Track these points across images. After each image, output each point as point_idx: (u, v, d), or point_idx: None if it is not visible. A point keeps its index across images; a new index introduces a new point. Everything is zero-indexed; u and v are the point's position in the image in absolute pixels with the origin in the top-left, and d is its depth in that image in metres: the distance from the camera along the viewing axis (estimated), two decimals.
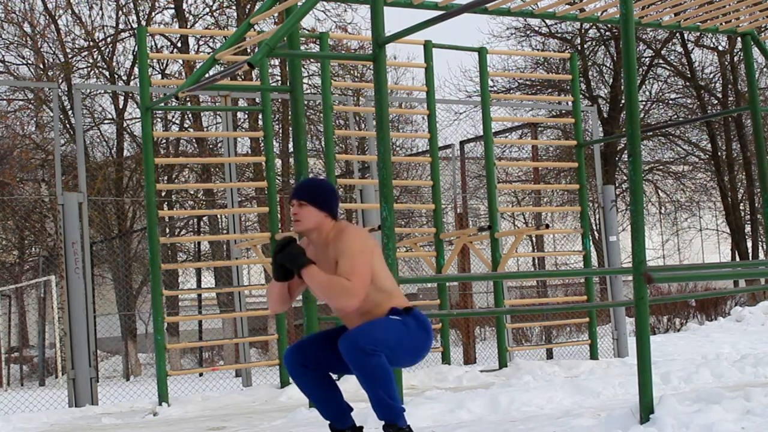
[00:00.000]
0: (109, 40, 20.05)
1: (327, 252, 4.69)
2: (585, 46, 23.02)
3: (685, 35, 23.08)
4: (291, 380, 4.79)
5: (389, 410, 4.58)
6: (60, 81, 19.45)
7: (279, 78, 18.47)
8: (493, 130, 11.38)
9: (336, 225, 4.72)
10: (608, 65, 23.46)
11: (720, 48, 23.52)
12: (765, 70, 23.58)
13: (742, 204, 24.47)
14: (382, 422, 4.69)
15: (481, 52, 11.23)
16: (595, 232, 18.49)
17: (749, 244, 23.83)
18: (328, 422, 4.83)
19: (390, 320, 4.61)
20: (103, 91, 20.21)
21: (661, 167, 24.69)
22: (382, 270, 4.68)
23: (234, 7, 19.24)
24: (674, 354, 12.67)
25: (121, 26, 20.03)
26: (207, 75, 7.89)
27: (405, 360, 4.72)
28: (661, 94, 24.37)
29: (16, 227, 21.22)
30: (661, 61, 23.72)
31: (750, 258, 23.03)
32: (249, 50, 14.32)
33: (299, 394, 8.92)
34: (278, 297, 4.77)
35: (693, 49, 23.64)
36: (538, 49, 22.94)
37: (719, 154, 23.80)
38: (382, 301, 4.66)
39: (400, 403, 4.61)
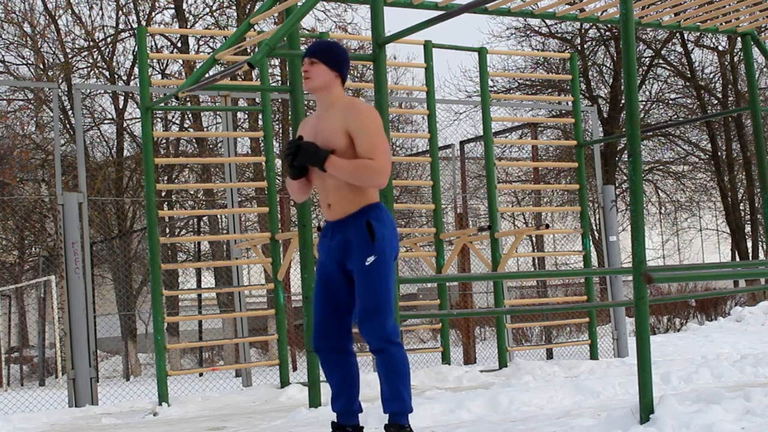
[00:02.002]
0: (109, 40, 20.06)
1: (329, 113, 4.71)
2: (585, 46, 23.03)
3: (685, 35, 23.09)
4: (321, 368, 4.86)
5: (401, 406, 4.62)
6: (60, 81, 19.45)
7: (279, 78, 18.48)
8: (493, 130, 11.38)
9: (347, 96, 4.77)
10: (608, 65, 23.46)
11: (720, 48, 23.52)
12: (765, 70, 23.59)
13: (742, 204, 24.48)
14: (385, 420, 4.71)
15: (481, 52, 11.23)
16: (595, 232, 18.49)
17: (749, 244, 23.84)
18: (335, 414, 4.84)
19: (378, 266, 4.61)
20: (103, 91, 20.21)
21: (661, 167, 24.69)
22: None
23: (234, 7, 19.25)
24: (674, 354, 12.67)
25: (121, 26, 20.04)
26: (207, 75, 7.89)
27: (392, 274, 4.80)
28: (661, 94, 24.37)
29: (16, 227, 21.22)
30: (661, 61, 23.72)
31: (750, 258, 23.03)
32: (249, 50, 14.33)
33: (299, 394, 8.93)
34: (301, 188, 4.86)
35: (693, 49, 23.65)
36: (538, 49, 22.95)
37: (719, 154, 23.80)
38: (362, 189, 4.73)
39: (411, 403, 4.65)
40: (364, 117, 4.62)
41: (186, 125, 19.51)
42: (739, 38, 10.03)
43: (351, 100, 4.74)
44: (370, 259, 4.62)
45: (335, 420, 4.87)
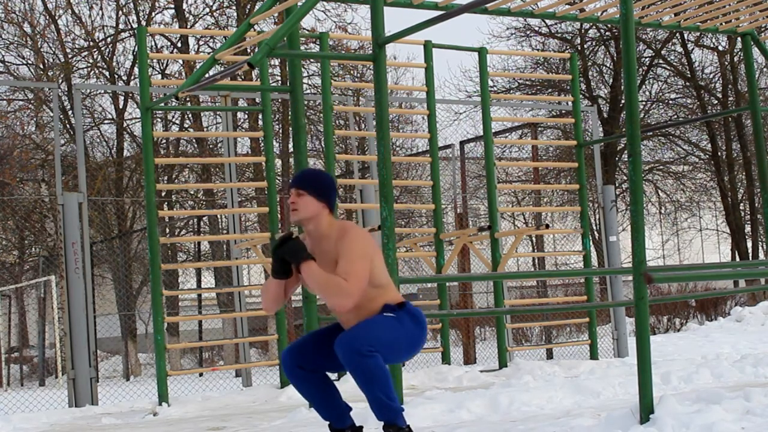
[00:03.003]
0: (109, 40, 20.06)
1: (322, 246, 4.68)
2: (585, 46, 23.03)
3: (685, 35, 23.09)
4: (289, 381, 4.78)
5: (388, 410, 4.58)
6: (60, 81, 19.45)
7: (279, 78, 18.47)
8: (493, 130, 11.38)
9: (338, 223, 4.72)
10: (608, 65, 23.46)
11: (720, 48, 23.53)
12: (765, 70, 23.59)
13: (742, 204, 24.48)
14: (382, 422, 4.69)
15: (481, 52, 11.23)
16: (595, 232, 18.49)
17: (749, 244, 23.84)
18: (328, 422, 4.84)
19: (384, 318, 4.62)
20: (103, 91, 20.21)
21: (661, 167, 24.70)
22: (379, 266, 4.69)
23: (234, 7, 19.24)
24: (674, 354, 12.67)
25: (121, 26, 20.04)
26: (207, 75, 7.89)
27: (401, 356, 4.74)
28: (661, 94, 24.37)
29: (16, 227, 21.21)
30: (661, 61, 23.72)
31: (750, 258, 23.03)
32: (249, 50, 14.33)
33: (299, 395, 8.91)
34: (274, 295, 4.76)
35: (693, 49, 23.65)
36: (538, 49, 22.95)
37: (719, 154, 23.80)
38: (376, 296, 4.67)
39: (398, 403, 4.61)
40: (352, 241, 4.57)
41: (186, 125, 19.51)
42: (739, 38, 10.03)
43: (342, 226, 4.69)
44: (388, 314, 4.63)
45: (330, 427, 4.87)
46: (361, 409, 5.44)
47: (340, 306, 4.53)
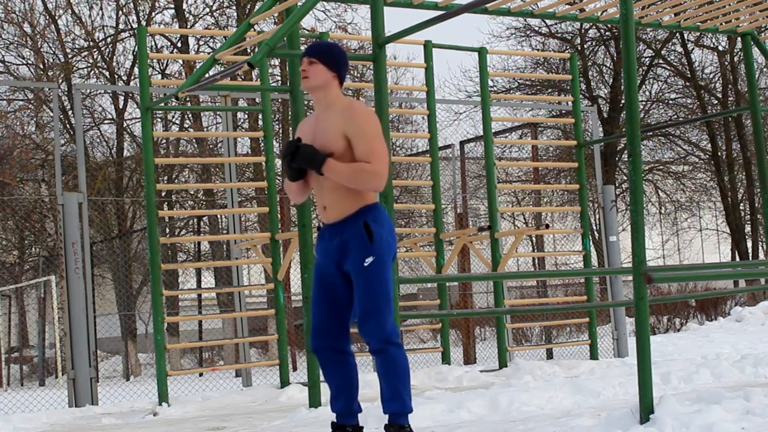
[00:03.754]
0: (109, 40, 20.05)
1: (328, 114, 4.72)
2: (585, 46, 23.03)
3: (685, 35, 23.09)
4: (321, 369, 4.87)
5: (401, 406, 4.62)
6: (60, 81, 19.45)
7: (279, 78, 18.47)
8: (493, 130, 11.38)
9: (346, 98, 4.78)
10: (608, 65, 23.46)
11: (720, 48, 23.52)
12: (765, 70, 23.59)
13: (742, 204, 24.48)
14: (385, 421, 4.71)
15: (481, 52, 11.23)
16: (595, 232, 18.49)
17: (749, 244, 23.83)
18: (335, 414, 4.85)
19: (380, 272, 4.62)
20: (103, 91, 20.21)
21: (661, 167, 24.69)
22: None
23: (234, 7, 19.24)
24: (674, 354, 12.67)
25: (121, 26, 20.04)
26: (207, 75, 7.89)
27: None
28: (661, 94, 24.37)
29: (16, 227, 21.21)
30: (661, 61, 23.72)
31: (750, 258, 23.03)
32: (249, 50, 14.33)
33: (299, 394, 8.93)
34: (299, 190, 4.87)
35: (693, 49, 23.65)
36: (538, 49, 22.95)
37: (719, 154, 23.80)
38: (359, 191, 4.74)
39: (411, 404, 4.65)
40: (362, 121, 4.62)
41: (186, 125, 19.51)
42: (739, 38, 10.03)
43: (349, 101, 4.74)
44: (369, 260, 4.62)
45: (335, 420, 4.88)
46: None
47: (375, 188, 4.62)
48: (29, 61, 20.66)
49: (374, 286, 4.61)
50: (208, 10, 19.75)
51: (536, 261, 17.12)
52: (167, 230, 18.78)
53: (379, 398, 4.83)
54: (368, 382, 8.22)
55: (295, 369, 14.91)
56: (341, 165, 4.59)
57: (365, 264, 4.61)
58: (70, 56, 19.91)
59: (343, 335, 4.79)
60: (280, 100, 17.64)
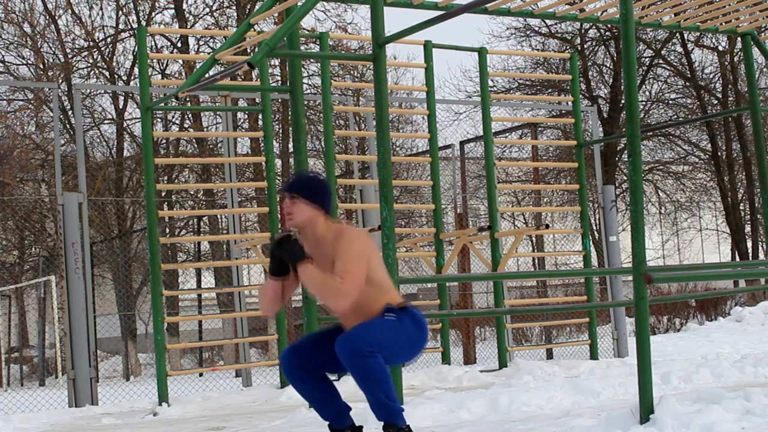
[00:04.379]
0: (109, 40, 20.05)
1: (320, 249, 4.69)
2: (585, 46, 23.02)
3: (685, 35, 23.09)
4: (289, 382, 4.79)
5: (388, 411, 4.59)
6: (60, 81, 19.44)
7: (279, 78, 18.46)
8: (493, 130, 11.38)
9: (335, 225, 4.72)
10: (608, 65, 23.46)
11: (720, 48, 23.52)
12: (765, 70, 23.58)
13: (742, 204, 24.47)
14: (382, 422, 4.70)
15: (481, 52, 11.23)
16: (595, 232, 18.48)
17: (749, 244, 23.83)
18: (328, 423, 4.84)
19: (385, 320, 4.62)
20: (103, 91, 20.21)
21: (661, 167, 24.69)
22: (379, 268, 4.70)
23: (234, 7, 19.24)
24: (674, 354, 12.67)
25: (121, 26, 20.03)
26: (207, 75, 7.89)
27: (401, 357, 4.75)
28: (661, 94, 24.36)
29: (16, 227, 21.20)
30: (661, 61, 23.72)
31: (750, 258, 23.03)
32: (249, 50, 14.32)
33: (299, 395, 8.91)
34: (272, 296, 4.75)
35: (693, 49, 23.65)
36: (538, 49, 22.94)
37: (719, 154, 23.80)
38: (377, 297, 4.67)
39: (398, 403, 4.62)
40: (349, 243, 4.59)
41: (186, 125, 19.50)
42: (739, 38, 10.03)
43: (339, 229, 4.69)
44: (389, 315, 4.63)
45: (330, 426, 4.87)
46: (360, 410, 5.44)
47: (336, 306, 4.56)
48: (29, 61, 20.67)
49: (374, 325, 4.58)
50: (208, 10, 19.75)
51: (536, 261, 17.12)
52: (167, 230, 18.77)
53: None
54: None
55: None
56: (317, 272, 4.54)
57: (384, 315, 4.61)
58: (70, 56, 19.91)
59: (318, 366, 4.74)
60: (280, 100, 17.63)
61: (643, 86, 23.59)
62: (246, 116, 18.33)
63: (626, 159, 18.27)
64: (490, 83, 14.52)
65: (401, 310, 4.69)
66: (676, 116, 23.77)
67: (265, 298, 4.76)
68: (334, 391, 4.80)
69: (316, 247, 4.70)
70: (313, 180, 4.76)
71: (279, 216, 11.24)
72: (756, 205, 23.21)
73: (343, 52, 18.74)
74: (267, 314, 4.89)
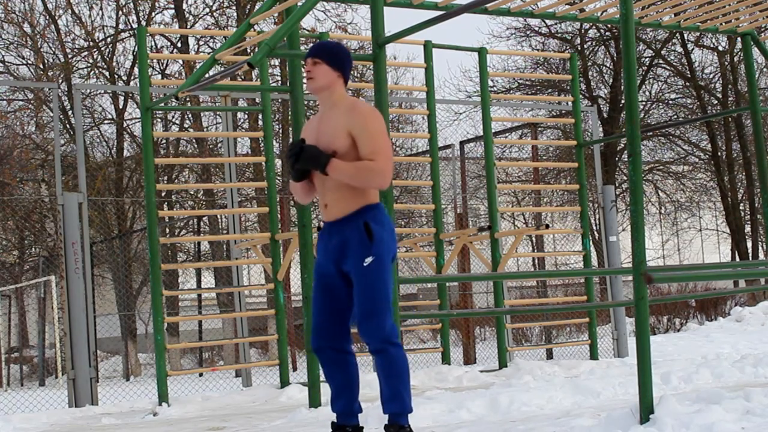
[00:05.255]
0: (109, 40, 20.05)
1: (332, 113, 4.75)
2: (585, 46, 23.02)
3: (685, 35, 23.09)
4: (321, 368, 4.88)
5: (400, 406, 4.62)
6: (60, 81, 19.44)
7: (279, 78, 18.47)
8: (493, 130, 11.38)
9: (350, 97, 4.81)
10: (608, 65, 23.46)
11: (720, 48, 23.53)
12: (765, 70, 23.58)
13: (742, 204, 24.48)
14: (385, 421, 4.71)
15: (481, 52, 11.23)
16: (595, 232, 18.48)
17: (749, 244, 23.83)
18: (335, 414, 4.84)
19: (376, 274, 4.62)
20: (103, 91, 20.21)
21: (661, 167, 24.69)
22: None
23: (234, 7, 19.24)
24: (674, 354, 12.67)
25: (121, 26, 20.03)
26: (207, 75, 7.89)
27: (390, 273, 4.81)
28: (661, 94, 24.36)
29: (16, 227, 21.21)
30: (661, 61, 23.72)
31: (750, 258, 23.03)
32: (249, 50, 14.32)
33: (299, 394, 8.93)
34: (305, 190, 4.87)
35: (693, 49, 23.65)
36: (538, 49, 22.94)
37: (719, 154, 23.80)
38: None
39: (411, 404, 4.65)
40: (366, 119, 4.64)
41: (186, 125, 19.50)
42: (739, 38, 10.03)
43: (353, 101, 4.76)
44: (368, 260, 4.63)
45: (335, 420, 4.88)
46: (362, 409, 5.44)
47: (380, 186, 4.63)
48: (29, 61, 20.66)
49: (373, 286, 4.62)
50: (208, 10, 19.75)
51: (536, 261, 17.12)
52: (167, 230, 18.77)
53: (379, 398, 4.83)
54: (368, 382, 8.22)
55: (295, 369, 14.90)
56: (345, 164, 4.60)
57: (364, 264, 4.62)
58: (70, 56, 19.91)
59: (343, 335, 4.79)
60: (280, 100, 17.64)
61: (643, 86, 23.59)
62: (246, 116, 18.33)
63: (626, 159, 18.28)
64: (490, 83, 14.53)
65: (376, 209, 4.71)
66: (676, 116, 23.77)
67: (298, 193, 4.90)
68: (357, 386, 4.85)
69: (329, 111, 4.78)
70: (337, 46, 4.85)
71: (279, 216, 11.25)
72: (756, 205, 23.21)
73: None
74: (304, 203, 5.11)
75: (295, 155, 4.67)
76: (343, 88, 4.81)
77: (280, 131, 18.45)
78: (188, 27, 19.37)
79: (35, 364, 19.47)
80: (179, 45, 19.25)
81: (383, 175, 4.58)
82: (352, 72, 20.49)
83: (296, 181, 4.81)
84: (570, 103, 13.27)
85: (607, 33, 22.64)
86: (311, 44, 17.16)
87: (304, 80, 4.92)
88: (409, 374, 4.67)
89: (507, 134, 15.68)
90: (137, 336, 18.46)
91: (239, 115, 18.04)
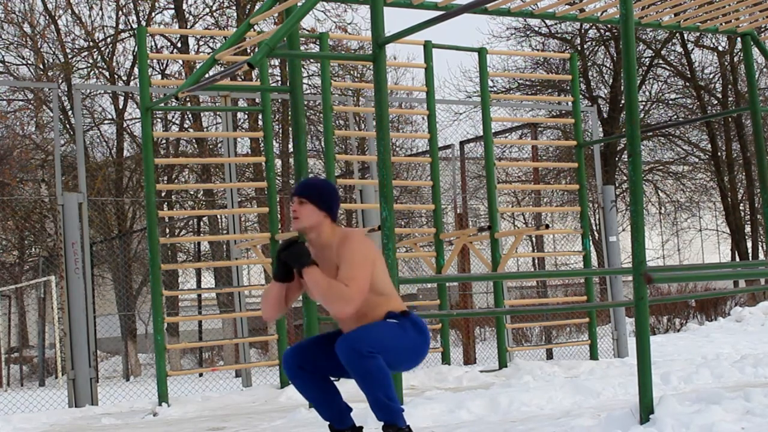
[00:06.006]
0: (109, 40, 20.05)
1: (325, 254, 4.69)
2: (585, 46, 23.02)
3: (685, 35, 23.08)
4: (290, 382, 4.77)
5: (388, 411, 4.58)
6: (60, 81, 19.45)
7: (279, 78, 18.46)
8: (493, 131, 11.38)
9: (340, 230, 4.72)
10: (608, 65, 23.46)
11: (720, 48, 23.52)
12: (765, 70, 23.58)
13: (742, 204, 24.48)
14: (382, 423, 4.70)
15: (481, 52, 11.23)
16: (595, 233, 18.48)
17: (749, 244, 23.83)
18: (328, 423, 4.84)
19: (386, 324, 4.62)
20: (103, 92, 20.21)
21: (661, 167, 24.69)
22: (382, 274, 4.68)
23: (234, 7, 19.24)
24: (674, 354, 12.66)
25: (121, 26, 20.03)
26: (207, 75, 7.89)
27: (402, 363, 4.72)
28: (661, 94, 24.36)
29: (16, 227, 21.20)
30: (661, 62, 23.72)
31: (750, 258, 23.02)
32: (249, 50, 14.32)
33: (299, 395, 8.89)
34: (275, 301, 4.74)
35: (693, 49, 23.65)
36: (538, 50, 22.95)
37: (719, 154, 23.80)
38: (380, 304, 4.66)
39: (398, 404, 4.62)
40: (353, 248, 4.58)
41: (186, 125, 19.50)
42: (739, 38, 10.03)
43: (344, 234, 4.69)
44: (392, 320, 4.62)
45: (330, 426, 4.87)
46: (361, 410, 5.44)
47: (341, 312, 4.53)
48: (29, 61, 20.66)
49: (377, 326, 4.59)
50: (208, 10, 19.75)
51: (536, 261, 17.12)
52: (167, 230, 18.77)
53: None
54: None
55: None
56: (322, 276, 4.54)
57: (387, 318, 4.61)
58: (70, 56, 19.91)
59: (318, 369, 4.75)
60: (280, 100, 17.63)
61: (643, 86, 23.59)
62: (246, 116, 18.33)
63: (626, 159, 18.27)
64: (490, 83, 14.52)
65: (403, 315, 4.69)
66: (676, 116, 23.77)
67: (268, 302, 4.75)
68: (334, 391, 4.80)
69: (321, 253, 4.70)
70: (322, 184, 4.76)
71: (279, 216, 11.25)
72: (756, 205, 23.21)
73: (343, 52, 18.74)
74: (269, 319, 4.87)
75: (286, 247, 4.64)
76: (331, 226, 4.70)
77: (280, 131, 18.44)
78: (188, 27, 19.37)
79: (35, 364, 19.47)
80: (179, 45, 19.25)
81: (350, 302, 4.50)
82: (352, 72, 20.49)
83: (276, 280, 4.74)
84: (570, 104, 13.27)
85: (607, 33, 22.64)
86: (312, 44, 17.26)
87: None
88: (387, 375, 4.55)
89: (507, 134, 15.68)
90: (137, 336, 18.45)
91: (239, 115, 18.04)
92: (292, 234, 9.55)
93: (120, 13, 19.99)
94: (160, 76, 19.63)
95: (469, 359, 14.23)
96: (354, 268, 4.53)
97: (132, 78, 19.64)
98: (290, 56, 8.07)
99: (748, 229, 24.09)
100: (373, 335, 4.53)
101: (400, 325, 4.64)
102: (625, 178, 22.93)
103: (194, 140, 19.55)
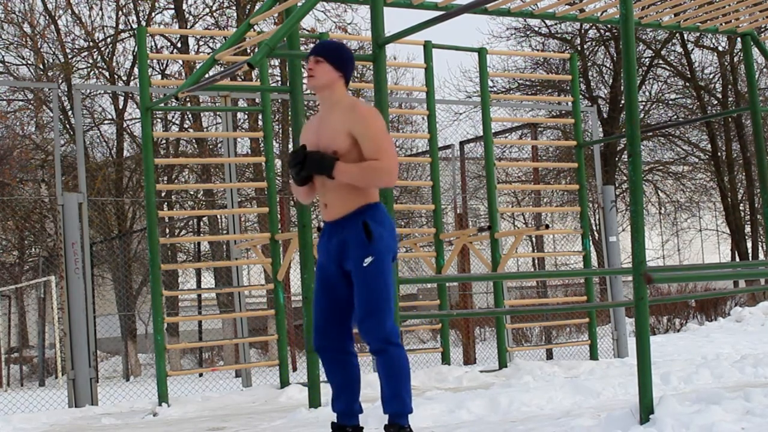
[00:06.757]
0: (109, 40, 20.05)
1: (334, 116, 4.74)
2: (585, 46, 23.02)
3: (685, 35, 23.09)
4: (321, 368, 4.93)
5: (400, 407, 4.62)
6: (60, 81, 19.45)
7: (279, 78, 18.46)
8: (493, 131, 11.38)
9: (350, 97, 4.80)
10: (608, 65, 23.46)
11: (720, 48, 23.52)
12: (765, 70, 23.58)
13: (742, 204, 24.48)
14: (385, 421, 4.71)
15: (481, 52, 11.23)
16: (595, 233, 18.48)
17: (749, 244, 23.83)
18: (335, 414, 4.84)
19: (375, 274, 4.62)
20: (103, 92, 20.21)
21: (661, 167, 24.69)
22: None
23: (234, 7, 19.24)
24: (674, 354, 12.66)
25: (121, 26, 20.03)
26: (207, 75, 7.89)
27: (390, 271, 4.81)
28: (661, 94, 24.37)
29: (16, 227, 21.21)
30: (661, 62, 23.72)
31: (750, 258, 23.03)
32: (249, 50, 14.32)
33: (299, 395, 8.92)
34: (307, 192, 4.87)
35: (693, 49, 23.65)
36: (537, 50, 22.95)
37: (719, 154, 23.80)
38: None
39: (411, 404, 4.65)
40: (367, 120, 4.64)
41: (186, 125, 19.50)
42: (739, 38, 10.03)
43: (353, 101, 4.76)
44: (368, 260, 4.62)
45: (335, 420, 4.88)
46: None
47: (387, 185, 4.67)
48: (29, 62, 20.66)
49: (373, 286, 4.61)
50: (208, 10, 19.75)
51: (536, 261, 17.12)
52: (167, 230, 18.77)
53: (379, 398, 4.83)
54: (369, 383, 8.22)
55: (294, 369, 14.90)
56: (350, 166, 4.61)
57: (364, 264, 4.61)
58: (70, 56, 19.91)
59: (345, 335, 4.79)
60: (280, 101, 17.63)
61: (643, 86, 23.59)
62: (246, 116, 18.33)
63: (626, 159, 18.27)
64: (490, 83, 14.52)
65: (376, 208, 4.71)
66: (676, 116, 23.77)
67: (301, 195, 4.91)
68: (358, 387, 4.85)
69: (329, 112, 4.77)
70: (340, 47, 4.85)
71: (279, 216, 11.25)
72: (756, 205, 23.21)
73: None
74: (305, 203, 5.13)
75: (300, 163, 4.68)
76: (344, 88, 4.80)
77: (280, 131, 18.44)
78: (188, 27, 19.37)
79: (35, 364, 19.47)
80: (179, 45, 19.25)
81: (389, 173, 4.61)
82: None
83: (299, 186, 4.82)
84: (570, 104, 13.27)
85: (607, 33, 22.64)
86: (311, 44, 17.22)
87: (305, 79, 4.93)
88: (410, 375, 4.66)
89: (507, 134, 15.68)
90: (137, 336, 18.45)
91: (239, 115, 18.04)
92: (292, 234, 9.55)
93: (120, 13, 20.00)
94: (160, 76, 19.63)
95: (469, 359, 14.22)
96: (377, 140, 4.62)
97: (132, 78, 19.64)
98: (290, 56, 8.07)
99: (748, 229, 24.10)
100: (380, 301, 4.60)
101: (380, 248, 4.63)
102: (625, 178, 22.93)
103: (194, 140, 19.55)
